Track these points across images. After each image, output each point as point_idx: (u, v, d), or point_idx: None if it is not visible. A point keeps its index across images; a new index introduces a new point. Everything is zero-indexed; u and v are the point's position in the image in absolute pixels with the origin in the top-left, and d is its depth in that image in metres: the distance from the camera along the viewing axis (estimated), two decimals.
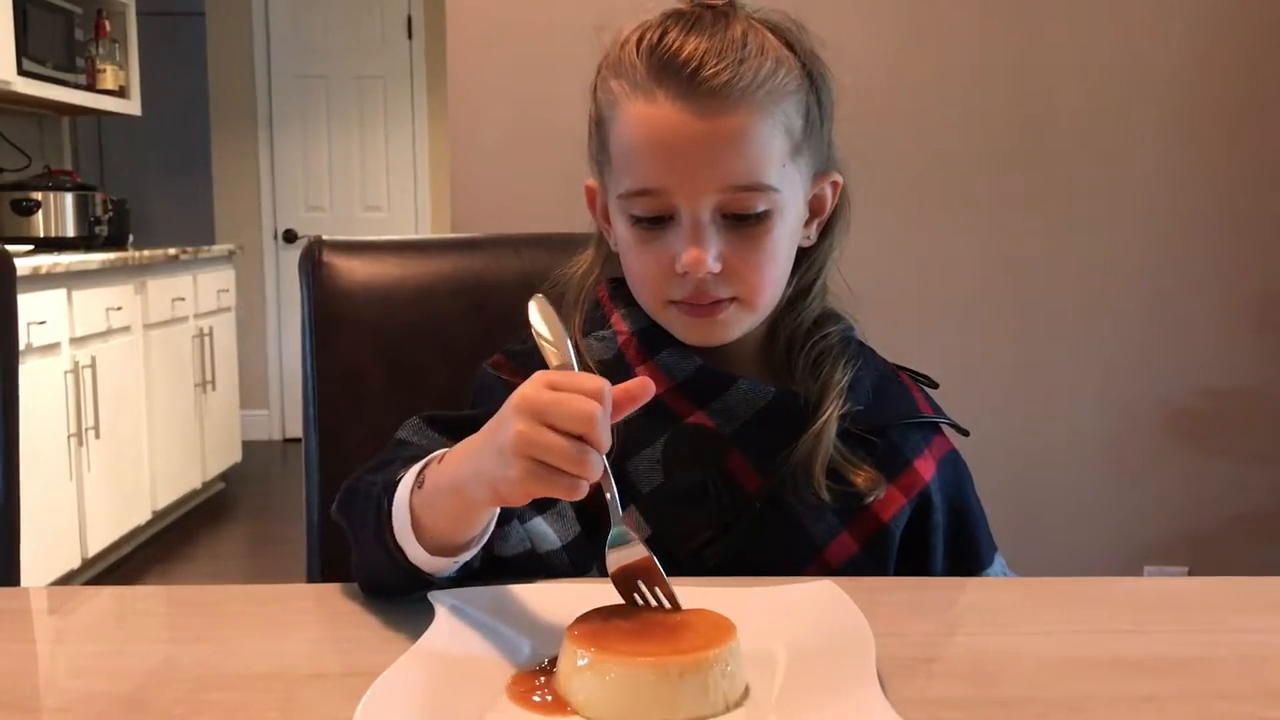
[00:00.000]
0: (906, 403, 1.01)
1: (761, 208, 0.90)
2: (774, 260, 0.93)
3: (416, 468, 0.81)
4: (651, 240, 0.92)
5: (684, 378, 0.94)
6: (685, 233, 0.89)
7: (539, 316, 0.79)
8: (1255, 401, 2.62)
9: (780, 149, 0.90)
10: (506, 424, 0.70)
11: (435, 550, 0.78)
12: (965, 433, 1.01)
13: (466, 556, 0.81)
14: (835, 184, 0.99)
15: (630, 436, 0.92)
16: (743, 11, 0.93)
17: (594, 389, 0.70)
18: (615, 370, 0.95)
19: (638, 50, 0.90)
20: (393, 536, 0.80)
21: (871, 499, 0.93)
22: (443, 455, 0.79)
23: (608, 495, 0.75)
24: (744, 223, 0.90)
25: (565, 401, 0.69)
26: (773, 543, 0.92)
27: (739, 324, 0.94)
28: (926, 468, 0.98)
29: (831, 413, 0.93)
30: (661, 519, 0.92)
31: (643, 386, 0.73)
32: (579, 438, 0.69)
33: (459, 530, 0.78)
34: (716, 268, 0.90)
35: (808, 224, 0.97)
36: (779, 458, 0.93)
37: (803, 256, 0.99)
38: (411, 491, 0.79)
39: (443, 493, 0.77)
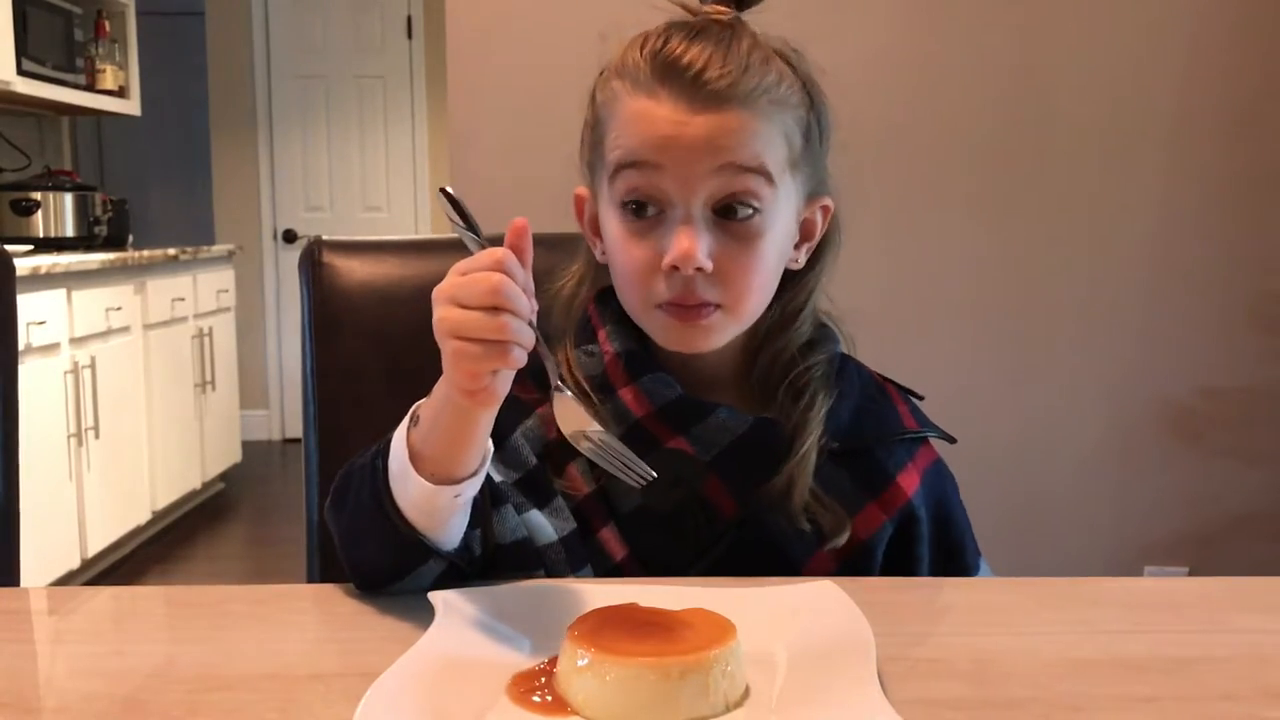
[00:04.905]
0: (890, 419, 1.00)
1: (756, 201, 0.89)
2: (762, 267, 0.91)
3: (409, 413, 0.83)
4: (642, 235, 0.90)
5: (664, 403, 0.93)
6: (676, 226, 0.88)
7: (453, 207, 0.80)
8: (1255, 401, 2.62)
9: (780, 153, 0.90)
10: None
11: (441, 479, 0.80)
12: (952, 440, 1.01)
13: (467, 491, 0.81)
14: (826, 209, 0.98)
15: None
16: (749, 28, 0.93)
17: (494, 261, 0.74)
18: (601, 388, 0.95)
19: (641, 53, 0.90)
20: (389, 491, 0.81)
21: (831, 544, 0.92)
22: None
23: (544, 359, 0.80)
24: (736, 221, 0.89)
25: (470, 281, 0.73)
26: (750, 563, 0.92)
27: (722, 332, 0.93)
28: (910, 482, 0.97)
29: (810, 446, 0.92)
30: (640, 539, 0.92)
31: (518, 232, 0.76)
32: (494, 309, 0.73)
33: (459, 449, 0.80)
34: (708, 264, 0.88)
35: (797, 246, 0.97)
36: (756, 486, 0.92)
37: (788, 282, 0.97)
38: (408, 430, 0.81)
39: (437, 415, 0.79)
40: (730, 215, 0.89)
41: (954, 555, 1.00)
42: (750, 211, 0.89)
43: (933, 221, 2.61)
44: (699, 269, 0.88)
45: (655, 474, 0.80)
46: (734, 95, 0.87)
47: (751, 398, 0.97)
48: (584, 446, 0.80)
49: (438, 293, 0.75)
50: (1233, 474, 2.64)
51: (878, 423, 0.99)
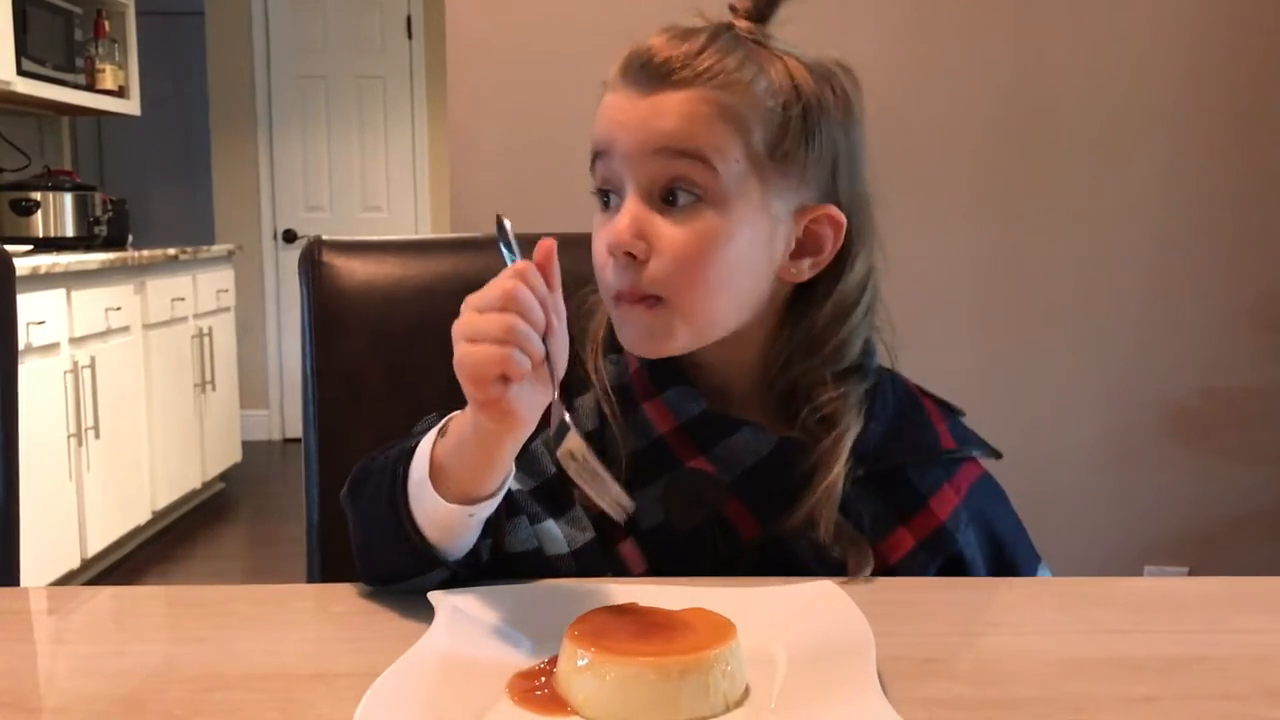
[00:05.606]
0: (924, 439, 0.96)
1: (696, 188, 0.86)
2: (709, 262, 0.86)
3: (440, 424, 0.82)
4: (604, 224, 0.90)
5: (687, 418, 0.92)
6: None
7: (501, 233, 0.81)
8: (1255, 401, 2.62)
9: (731, 143, 0.86)
10: None
11: (458, 498, 0.80)
12: (997, 455, 0.97)
13: (482, 512, 0.81)
14: (834, 220, 0.91)
15: (635, 473, 0.91)
16: (730, 30, 0.90)
17: (515, 271, 0.74)
18: (625, 397, 0.94)
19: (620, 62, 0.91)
20: (405, 500, 0.81)
21: (857, 577, 0.89)
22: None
23: (552, 381, 0.78)
24: (676, 207, 0.86)
25: (488, 286, 0.74)
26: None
27: (670, 333, 0.88)
28: (944, 505, 0.94)
29: (835, 476, 0.89)
30: (660, 555, 0.91)
31: (544, 251, 0.76)
32: (503, 311, 0.73)
33: (483, 472, 0.80)
34: (637, 245, 0.86)
35: (796, 257, 0.91)
36: (778, 509, 0.90)
37: (799, 300, 0.93)
38: (435, 443, 0.81)
39: (464, 434, 0.79)
40: (673, 202, 0.87)
41: (1009, 571, 0.98)
42: (691, 198, 0.86)
43: (930, 222, 2.61)
44: (630, 254, 0.86)
45: (634, 506, 0.79)
46: (677, 78, 0.86)
47: (778, 416, 0.93)
48: (571, 468, 0.79)
49: (465, 301, 0.76)
50: (1233, 474, 2.64)
51: (910, 443, 0.95)
